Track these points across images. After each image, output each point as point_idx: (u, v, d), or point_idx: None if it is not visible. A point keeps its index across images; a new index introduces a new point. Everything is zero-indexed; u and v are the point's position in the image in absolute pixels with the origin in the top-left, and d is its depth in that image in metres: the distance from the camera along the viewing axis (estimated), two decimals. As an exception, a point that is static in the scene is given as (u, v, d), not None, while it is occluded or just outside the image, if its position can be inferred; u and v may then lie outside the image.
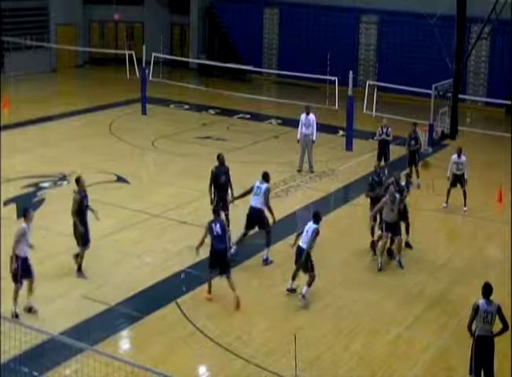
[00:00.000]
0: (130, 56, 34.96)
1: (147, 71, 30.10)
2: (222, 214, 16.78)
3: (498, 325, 11.02)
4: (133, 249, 16.54)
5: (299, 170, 22.66)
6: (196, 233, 16.17)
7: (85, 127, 27.95)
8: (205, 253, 16.03)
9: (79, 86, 38.18)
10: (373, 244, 16.79)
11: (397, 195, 15.91)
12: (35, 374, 11.45)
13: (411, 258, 16.44)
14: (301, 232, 14.46)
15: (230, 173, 17.03)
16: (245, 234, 16.20)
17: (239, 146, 25.27)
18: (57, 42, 38.38)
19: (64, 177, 21.10)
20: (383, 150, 22.39)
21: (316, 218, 14.37)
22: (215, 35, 41.02)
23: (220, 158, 16.99)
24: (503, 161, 22.78)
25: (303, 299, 14.14)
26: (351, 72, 25.52)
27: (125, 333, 13.23)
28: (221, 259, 14.01)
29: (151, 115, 29.72)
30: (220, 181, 16.77)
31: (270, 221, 15.99)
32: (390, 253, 16.37)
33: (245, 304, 14.21)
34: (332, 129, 27.41)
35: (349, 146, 25.41)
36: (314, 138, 22.73)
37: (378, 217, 16.59)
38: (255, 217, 16.02)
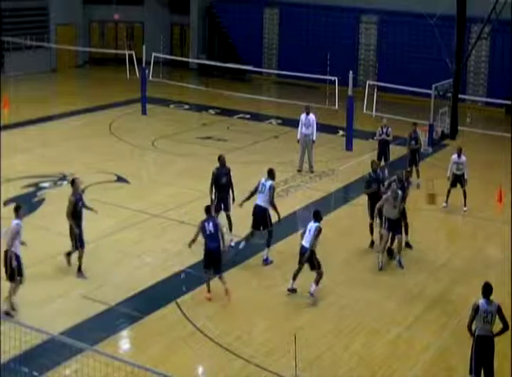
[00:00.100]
0: (130, 56, 34.96)
1: (147, 71, 30.10)
2: (223, 214, 16.85)
3: (498, 325, 11.03)
4: (133, 249, 16.55)
5: (299, 170, 22.67)
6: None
7: (85, 127, 27.96)
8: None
9: (79, 86, 38.19)
10: (372, 244, 16.84)
11: (399, 192, 15.94)
12: (35, 374, 11.46)
13: (411, 258, 16.44)
14: (304, 232, 14.47)
15: (231, 174, 17.02)
16: (252, 233, 16.20)
17: (239, 146, 25.27)
18: (57, 42, 38.38)
19: (63, 177, 21.09)
20: (383, 150, 22.40)
21: (317, 217, 14.38)
22: (215, 35, 41.02)
23: (221, 159, 16.95)
24: (503, 161, 22.79)
25: (311, 297, 14.19)
26: (351, 72, 25.52)
27: (125, 333, 13.23)
28: (214, 258, 14.08)
29: (151, 115, 29.73)
30: (221, 183, 16.74)
31: (274, 219, 15.97)
32: (390, 253, 16.38)
33: (245, 304, 14.23)
34: (332, 129, 27.41)
35: (349, 146, 25.41)
36: (314, 138, 22.74)
37: (376, 214, 16.63)
38: (260, 216, 16.02)
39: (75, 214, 14.94)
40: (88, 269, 15.22)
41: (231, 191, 16.88)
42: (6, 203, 18.93)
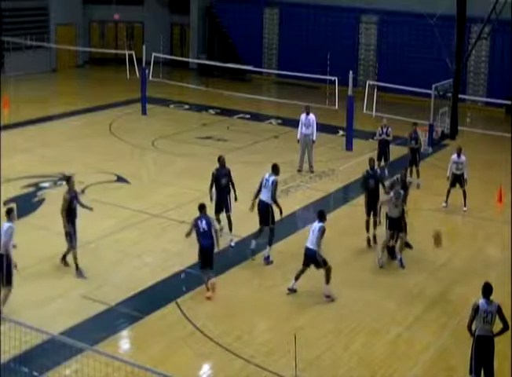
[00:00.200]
0: (130, 56, 34.95)
1: (147, 71, 30.09)
2: (224, 214, 16.91)
3: (498, 325, 11.03)
4: (133, 249, 16.54)
5: (299, 170, 22.67)
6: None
7: (85, 127, 27.96)
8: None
9: (79, 86, 38.20)
10: (369, 241, 16.88)
11: (401, 191, 15.99)
12: (35, 374, 11.46)
13: (411, 257, 16.43)
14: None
15: (232, 174, 17.03)
16: (261, 230, 16.19)
17: (239, 146, 25.27)
18: (57, 42, 38.38)
19: (64, 177, 21.07)
20: (383, 150, 22.41)
21: (321, 217, 14.40)
22: (215, 35, 41.01)
23: (220, 160, 16.96)
24: (503, 161, 22.78)
25: (327, 299, 14.24)
26: (351, 72, 25.52)
27: (125, 333, 13.23)
28: (208, 255, 14.18)
29: (151, 115, 29.73)
30: (221, 184, 16.76)
31: (277, 215, 15.97)
32: (392, 252, 16.39)
33: (245, 304, 14.23)
34: (332, 129, 27.41)
35: (349, 146, 25.42)
36: (314, 138, 22.74)
37: (378, 213, 16.68)
38: (263, 212, 16.04)
39: (70, 211, 15.01)
40: (88, 269, 15.22)
41: (232, 191, 16.88)
42: (6, 203, 18.92)
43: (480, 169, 22.64)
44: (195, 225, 14.16)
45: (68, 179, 15.46)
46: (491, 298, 11.00)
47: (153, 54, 33.02)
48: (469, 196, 19.58)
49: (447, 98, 27.99)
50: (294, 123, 24.16)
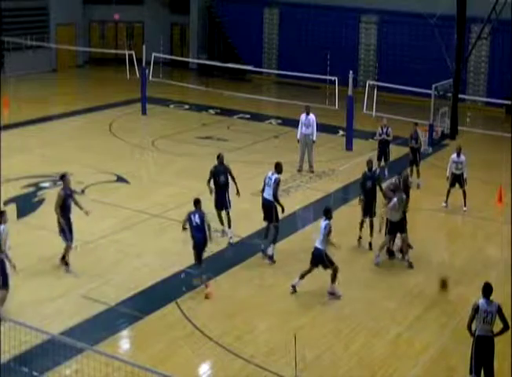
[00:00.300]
0: (130, 56, 34.93)
1: (147, 71, 30.10)
2: (223, 212, 17.02)
3: (498, 325, 11.02)
4: (133, 249, 16.55)
5: (299, 170, 22.67)
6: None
7: (85, 127, 27.96)
8: (205, 253, 16.08)
9: (79, 85, 38.18)
10: (360, 239, 16.96)
11: (404, 196, 15.99)
12: (35, 374, 11.46)
13: (411, 258, 16.41)
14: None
15: (232, 170, 17.17)
16: (267, 228, 16.24)
17: (239, 146, 25.27)
18: (57, 42, 38.37)
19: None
20: (383, 150, 22.41)
21: (327, 214, 14.40)
22: (215, 35, 41.00)
23: (219, 157, 17.11)
24: (503, 161, 22.76)
25: (332, 296, 14.31)
26: (351, 72, 25.52)
27: (125, 333, 13.23)
28: (198, 247, 14.43)
29: (151, 115, 29.73)
30: (219, 180, 16.90)
31: (279, 213, 15.99)
32: (392, 253, 16.39)
33: (245, 304, 14.23)
34: (332, 129, 27.41)
35: (349, 146, 25.42)
36: (314, 138, 22.74)
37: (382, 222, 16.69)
38: (266, 210, 16.12)
39: (64, 208, 15.09)
40: (88, 269, 15.24)
41: (235, 186, 17.03)
42: (6, 203, 18.93)
43: (480, 169, 22.64)
44: (189, 219, 14.42)
45: (63, 176, 15.52)
46: (491, 298, 11.00)
47: (153, 54, 33.00)
48: (469, 196, 19.58)
49: (447, 98, 27.99)
50: (294, 123, 24.16)
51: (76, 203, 15.44)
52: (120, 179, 21.53)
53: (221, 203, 16.92)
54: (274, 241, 16.05)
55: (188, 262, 15.49)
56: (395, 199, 15.88)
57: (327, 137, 25.96)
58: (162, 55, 34.94)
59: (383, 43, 36.12)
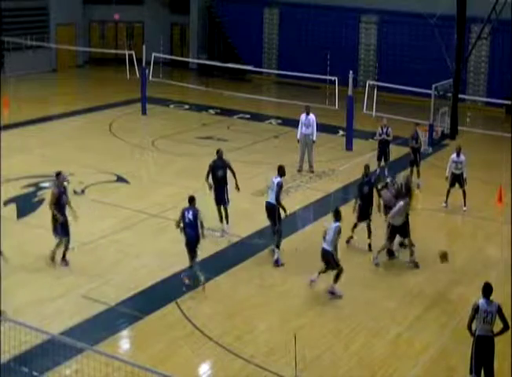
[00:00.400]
0: (130, 56, 34.93)
1: (147, 71, 30.09)
2: (222, 209, 17.26)
3: (498, 325, 11.02)
4: (133, 249, 16.55)
5: (299, 170, 22.67)
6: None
7: (85, 127, 27.96)
8: (205, 253, 16.10)
9: (79, 85, 38.17)
10: (350, 239, 16.97)
11: (407, 199, 15.99)
12: (35, 374, 11.46)
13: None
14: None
15: (232, 166, 17.37)
16: (273, 232, 16.22)
17: (239, 146, 25.27)
18: (57, 42, 38.37)
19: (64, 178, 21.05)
20: (383, 150, 22.41)
21: (337, 216, 14.44)
22: (215, 35, 41.00)
23: (219, 153, 17.43)
24: (503, 161, 22.76)
25: (332, 295, 14.34)
26: (351, 72, 25.52)
27: (125, 333, 13.23)
28: (191, 244, 14.55)
29: (151, 115, 29.73)
30: (217, 175, 17.13)
31: (282, 215, 16.02)
32: (392, 254, 16.39)
33: (245, 304, 14.23)
34: (332, 129, 27.41)
35: (349, 146, 25.42)
36: (314, 138, 22.74)
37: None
38: (269, 213, 16.16)
39: (59, 206, 15.23)
40: (88, 269, 15.25)
41: (235, 181, 17.21)
42: (6, 203, 18.95)
43: (480, 169, 22.64)
44: (182, 215, 14.60)
45: (58, 174, 15.56)
46: (492, 298, 11.00)
47: (153, 54, 33.00)
48: (469, 196, 19.58)
49: (447, 98, 27.98)
50: (294, 123, 24.15)
51: (68, 203, 15.47)
52: (120, 179, 21.54)
53: (220, 199, 17.12)
54: (278, 246, 16.03)
55: (188, 262, 15.48)
56: (401, 203, 15.84)
57: (327, 137, 25.96)
58: (162, 55, 34.94)
59: (383, 43, 36.12)
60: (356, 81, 32.91)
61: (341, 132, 27.06)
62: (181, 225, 14.67)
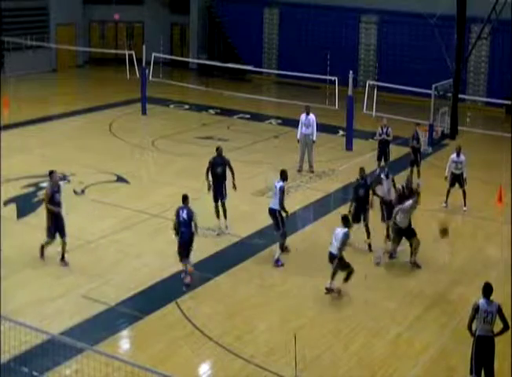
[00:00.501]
0: (130, 56, 34.94)
1: (147, 71, 30.09)
2: (219, 204, 17.36)
3: (498, 325, 11.02)
4: (133, 249, 16.54)
5: (299, 170, 22.66)
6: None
7: (85, 127, 27.96)
8: (205, 253, 16.12)
9: (79, 85, 38.17)
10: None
11: (415, 198, 16.00)
12: (35, 374, 11.46)
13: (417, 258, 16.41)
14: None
15: (232, 165, 17.47)
16: (281, 234, 16.22)
17: (239, 146, 25.26)
18: (57, 42, 38.37)
19: (64, 177, 21.06)
20: (383, 150, 22.42)
21: (345, 222, 14.54)
22: (215, 35, 41.00)
23: (218, 150, 17.66)
24: (503, 161, 22.77)
25: (335, 292, 14.37)
26: (351, 72, 25.52)
27: (125, 333, 13.23)
28: (185, 243, 14.66)
29: (151, 115, 29.73)
30: (216, 172, 17.31)
31: (284, 216, 16.06)
32: (392, 254, 16.40)
33: (245, 304, 14.23)
34: (332, 129, 27.41)
35: (349, 146, 25.42)
36: (314, 138, 22.74)
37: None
38: (272, 217, 16.18)
39: (53, 204, 15.31)
40: (88, 269, 15.25)
41: (232, 178, 17.29)
42: (6, 203, 18.95)
43: (480, 169, 22.64)
44: (177, 213, 14.71)
45: (51, 173, 15.62)
46: (492, 298, 11.00)
47: (153, 54, 33.01)
48: (469, 196, 19.58)
49: (447, 98, 27.98)
50: (294, 123, 24.15)
51: (59, 203, 15.47)
52: (120, 179, 21.53)
53: (219, 194, 17.27)
54: (281, 247, 16.03)
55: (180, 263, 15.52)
56: (410, 202, 15.84)
57: (327, 137, 25.96)
58: (162, 55, 34.94)
59: (383, 43, 36.12)
60: (356, 81, 32.91)
61: (341, 132, 27.06)
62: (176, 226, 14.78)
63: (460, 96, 28.73)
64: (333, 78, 29.15)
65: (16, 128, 26.63)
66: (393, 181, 17.23)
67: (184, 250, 14.72)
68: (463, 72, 29.69)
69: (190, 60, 39.46)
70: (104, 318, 13.53)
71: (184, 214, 14.65)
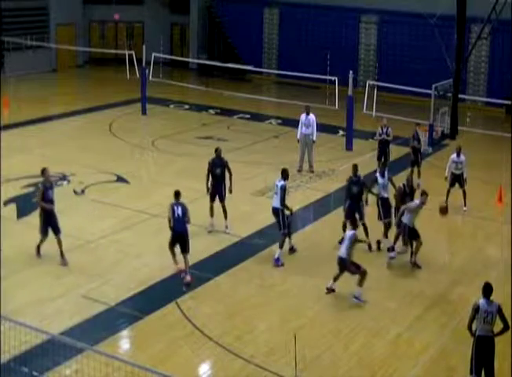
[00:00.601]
0: (130, 56, 34.94)
1: (147, 71, 30.09)
2: (219, 205, 17.37)
3: (499, 325, 11.02)
4: (133, 249, 16.54)
5: (299, 170, 22.66)
6: (196, 233, 16.25)
7: (85, 127, 27.96)
8: (205, 253, 16.12)
9: (79, 85, 38.17)
10: (342, 240, 16.91)
11: (424, 198, 15.96)
12: (35, 374, 11.46)
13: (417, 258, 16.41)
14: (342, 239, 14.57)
15: (229, 165, 17.49)
16: (283, 234, 16.23)
17: (239, 146, 25.26)
18: (57, 42, 38.37)
19: (64, 177, 21.09)
20: (383, 150, 22.42)
21: (353, 224, 14.59)
22: (215, 35, 41.00)
23: (217, 151, 17.73)
24: (503, 161, 22.77)
25: (357, 300, 14.24)
26: (351, 72, 25.52)
27: (125, 333, 13.22)
28: (180, 238, 14.81)
29: (151, 115, 29.73)
30: (215, 173, 17.36)
31: (286, 213, 16.06)
32: (383, 247, 16.46)
33: (245, 304, 14.23)
34: (332, 129, 27.41)
35: (349, 146, 25.42)
36: (314, 138, 22.74)
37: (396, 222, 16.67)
38: (275, 216, 16.19)
39: (45, 202, 15.30)
40: (88, 269, 15.25)
41: (230, 181, 17.38)
42: (6, 203, 18.95)
43: (480, 169, 22.64)
44: (171, 210, 14.83)
45: (43, 171, 15.64)
46: (492, 298, 11.00)
47: (153, 54, 33.01)
48: (469, 196, 19.58)
49: (447, 98, 27.99)
50: (294, 123, 24.15)
51: (51, 201, 15.52)
52: (120, 179, 21.53)
53: (218, 195, 17.31)
54: (281, 246, 16.02)
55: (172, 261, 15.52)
56: (416, 201, 15.84)
57: (327, 137, 25.96)
58: (162, 55, 34.94)
59: (383, 43, 36.12)
60: (356, 81, 32.92)
61: (341, 132, 27.06)
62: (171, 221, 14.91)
63: (460, 96, 28.73)
64: (333, 78, 29.15)
65: (16, 128, 26.63)
66: (391, 180, 17.15)
67: (184, 246, 14.78)
68: (463, 72, 29.69)
69: (190, 60, 39.46)
70: (104, 318, 13.52)
71: (179, 211, 14.78)
